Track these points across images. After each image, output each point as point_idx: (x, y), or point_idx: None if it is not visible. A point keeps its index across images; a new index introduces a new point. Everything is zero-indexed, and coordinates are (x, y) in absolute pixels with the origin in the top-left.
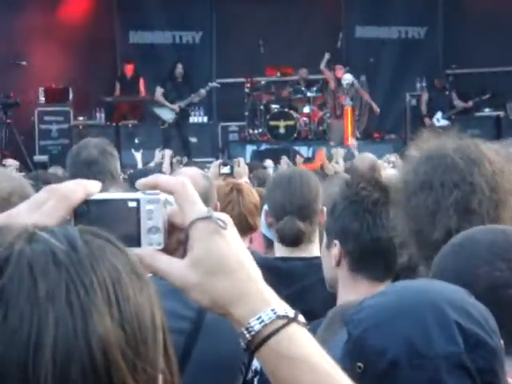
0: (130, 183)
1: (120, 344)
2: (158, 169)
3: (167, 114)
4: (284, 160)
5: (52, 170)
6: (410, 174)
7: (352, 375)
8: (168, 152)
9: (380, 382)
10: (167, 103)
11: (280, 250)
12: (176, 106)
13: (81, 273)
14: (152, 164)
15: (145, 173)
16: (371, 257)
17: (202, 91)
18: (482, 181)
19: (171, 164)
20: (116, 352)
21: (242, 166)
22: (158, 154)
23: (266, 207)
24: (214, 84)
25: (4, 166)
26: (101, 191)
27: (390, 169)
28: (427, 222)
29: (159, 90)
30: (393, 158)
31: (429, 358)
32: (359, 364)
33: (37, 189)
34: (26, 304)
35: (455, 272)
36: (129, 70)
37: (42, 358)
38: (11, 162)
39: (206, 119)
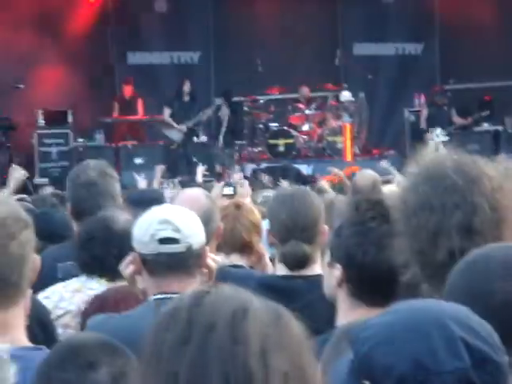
0: (128, 204)
1: None
2: (153, 190)
3: (176, 134)
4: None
5: (46, 189)
6: (409, 193)
7: None
8: (159, 168)
9: None
10: (175, 124)
11: (282, 270)
12: (184, 127)
13: None
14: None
15: (142, 194)
16: (372, 287)
17: (209, 110)
18: (483, 200)
19: (161, 182)
20: None
21: (245, 187)
22: (158, 170)
23: (267, 226)
24: (219, 101)
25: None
26: (102, 212)
27: (389, 185)
28: (429, 243)
29: (167, 111)
30: (387, 166)
31: (435, 373)
32: (365, 382)
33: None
34: None
35: (469, 288)
36: (127, 90)
37: None
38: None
39: (205, 139)
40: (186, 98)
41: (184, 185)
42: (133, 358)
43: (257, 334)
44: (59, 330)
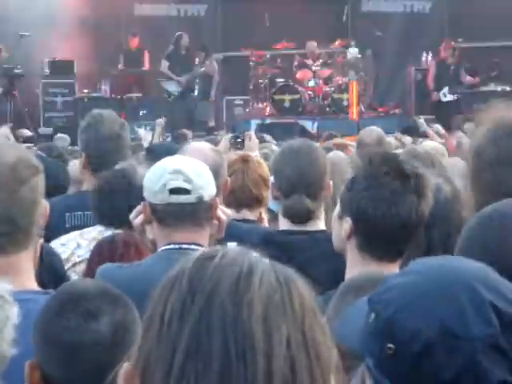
0: (149, 156)
1: None
2: (174, 144)
3: (172, 86)
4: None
5: (58, 137)
6: (487, 148)
7: (380, 355)
8: (159, 121)
9: (413, 364)
10: (173, 76)
11: (285, 224)
12: (182, 79)
13: None
14: (154, 137)
15: (164, 146)
16: (382, 242)
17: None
18: None
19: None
20: None
21: (252, 140)
22: (158, 124)
23: (272, 180)
24: (217, 56)
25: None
26: (122, 166)
27: (429, 141)
28: (507, 198)
29: (165, 63)
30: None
31: (465, 339)
32: (390, 345)
33: (50, 160)
34: None
35: (483, 244)
36: (133, 42)
37: None
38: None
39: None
40: (183, 52)
41: (184, 138)
42: (134, 309)
43: (260, 299)
44: (75, 277)
